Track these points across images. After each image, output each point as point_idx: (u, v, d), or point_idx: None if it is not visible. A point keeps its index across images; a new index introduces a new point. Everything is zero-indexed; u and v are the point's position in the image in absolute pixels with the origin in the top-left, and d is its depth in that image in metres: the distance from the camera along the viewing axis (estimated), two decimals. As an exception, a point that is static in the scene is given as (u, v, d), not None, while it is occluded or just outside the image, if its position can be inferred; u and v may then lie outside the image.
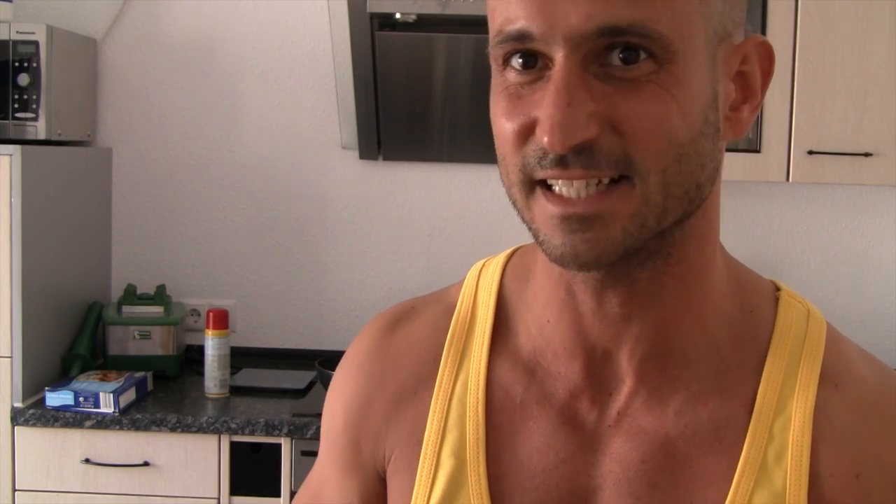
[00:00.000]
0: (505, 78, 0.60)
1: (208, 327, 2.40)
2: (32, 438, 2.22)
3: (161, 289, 2.60)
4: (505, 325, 0.70)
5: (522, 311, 0.70)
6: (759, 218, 2.74)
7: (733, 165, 2.40)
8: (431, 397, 0.70)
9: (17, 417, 2.20)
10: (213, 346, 2.38)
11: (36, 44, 2.31)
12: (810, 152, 2.37)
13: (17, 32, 2.31)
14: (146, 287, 2.66)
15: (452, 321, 0.72)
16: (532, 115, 0.58)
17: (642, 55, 0.56)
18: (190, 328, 2.69)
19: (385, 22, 2.39)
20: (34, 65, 2.31)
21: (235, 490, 2.21)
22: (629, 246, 0.58)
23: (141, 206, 2.75)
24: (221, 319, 2.41)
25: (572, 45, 0.56)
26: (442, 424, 0.69)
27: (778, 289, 0.70)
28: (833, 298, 2.75)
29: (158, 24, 2.72)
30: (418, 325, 0.74)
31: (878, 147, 2.36)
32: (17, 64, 2.31)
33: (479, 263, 0.76)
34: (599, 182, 0.57)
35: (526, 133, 0.58)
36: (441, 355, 0.71)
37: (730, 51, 0.61)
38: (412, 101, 2.59)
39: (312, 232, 2.74)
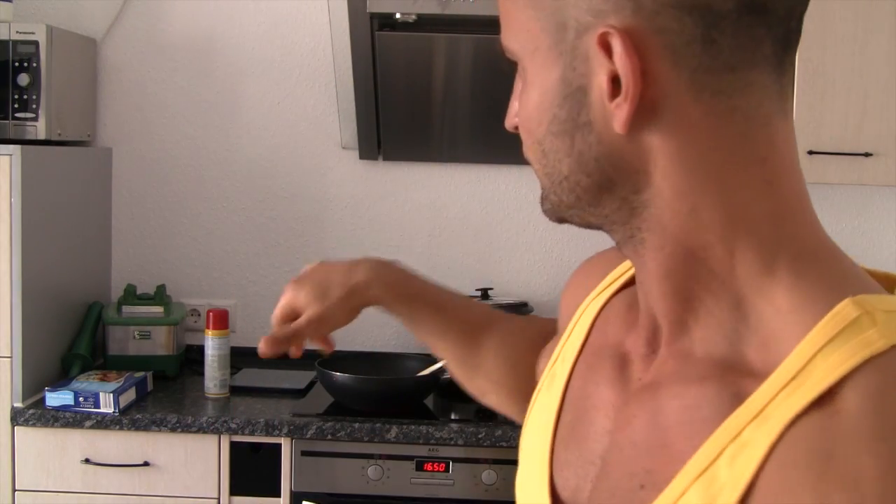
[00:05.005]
0: None
1: (208, 327, 2.40)
2: (32, 438, 2.22)
3: (161, 289, 2.60)
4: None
5: None
6: (759, 218, 2.74)
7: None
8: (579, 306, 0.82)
9: (17, 417, 2.20)
10: (213, 346, 2.38)
11: (36, 44, 2.31)
12: (810, 152, 2.36)
13: (17, 32, 2.31)
14: (146, 287, 2.66)
15: (622, 264, 0.80)
16: None
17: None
18: (190, 328, 2.69)
19: (385, 22, 2.39)
20: (34, 65, 2.31)
21: (235, 490, 2.21)
22: (564, 213, 0.68)
23: (141, 206, 2.76)
24: (221, 319, 2.41)
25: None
26: (570, 329, 0.80)
27: (857, 298, 0.58)
28: (833, 298, 2.75)
29: (158, 24, 2.72)
30: (608, 258, 0.83)
31: (878, 147, 2.36)
32: (17, 64, 2.31)
33: None
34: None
35: None
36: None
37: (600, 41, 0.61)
38: (412, 101, 2.59)
39: (312, 232, 2.74)
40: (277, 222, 2.75)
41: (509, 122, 0.71)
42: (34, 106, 2.32)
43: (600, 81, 0.61)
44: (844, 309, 0.56)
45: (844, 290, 0.58)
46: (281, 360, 2.92)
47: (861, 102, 2.35)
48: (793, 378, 0.55)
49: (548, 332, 0.95)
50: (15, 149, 2.20)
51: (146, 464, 2.21)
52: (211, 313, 2.41)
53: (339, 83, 2.58)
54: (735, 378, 0.59)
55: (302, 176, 2.73)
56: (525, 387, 0.91)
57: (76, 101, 2.56)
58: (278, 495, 2.21)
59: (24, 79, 2.30)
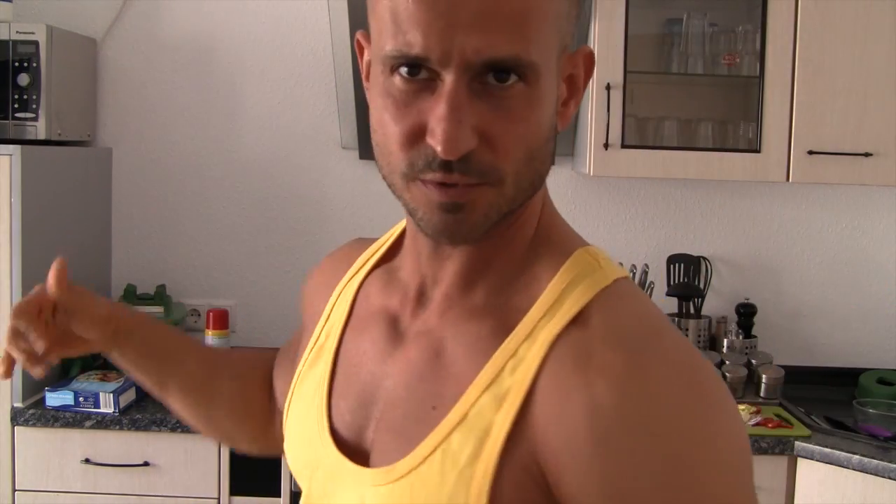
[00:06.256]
0: (391, 83, 0.70)
1: (208, 327, 2.40)
2: (32, 438, 2.22)
3: (161, 289, 2.60)
4: (395, 253, 0.90)
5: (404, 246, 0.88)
6: (759, 218, 2.74)
7: (733, 165, 2.40)
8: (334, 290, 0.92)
9: (17, 417, 2.20)
10: (213, 345, 2.38)
11: (36, 44, 2.31)
12: (810, 152, 2.37)
13: (17, 32, 2.31)
14: (146, 287, 2.66)
15: (375, 244, 0.93)
16: (420, 122, 0.69)
17: (512, 77, 0.68)
18: (190, 328, 2.69)
19: (385, 22, 2.38)
20: (34, 65, 2.31)
21: (235, 490, 2.21)
22: (488, 228, 0.73)
23: (141, 206, 2.76)
24: (221, 319, 2.41)
25: (462, 72, 0.67)
26: (329, 309, 0.90)
27: (582, 247, 0.79)
28: (833, 298, 2.75)
29: (158, 24, 2.72)
30: (364, 245, 0.95)
31: (878, 147, 2.36)
32: (17, 64, 2.31)
33: None
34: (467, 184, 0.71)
35: (414, 136, 0.69)
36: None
37: (565, 58, 0.74)
38: (412, 101, 2.59)
39: (312, 232, 2.74)
40: (277, 222, 2.75)
41: (471, 143, 0.68)
42: (34, 106, 2.32)
43: (561, 89, 0.74)
44: (580, 256, 0.76)
45: (577, 245, 0.78)
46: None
47: (861, 102, 2.35)
48: (549, 308, 0.73)
49: (269, 359, 1.09)
50: (15, 149, 2.20)
51: (146, 464, 2.21)
52: (211, 313, 2.41)
53: (339, 83, 2.58)
54: (506, 315, 0.75)
55: (302, 176, 2.73)
56: (259, 423, 1.08)
57: (76, 101, 2.56)
58: (278, 495, 2.21)
59: (24, 79, 2.30)
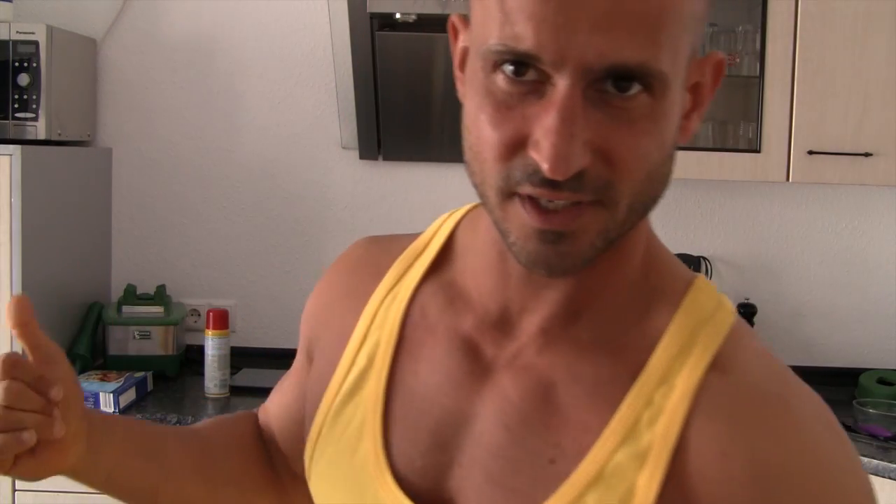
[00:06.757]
0: (492, 81, 0.60)
1: (208, 327, 2.40)
2: (32, 438, 2.22)
3: (161, 289, 2.60)
4: (446, 262, 0.77)
5: (461, 255, 0.77)
6: (759, 218, 2.74)
7: (733, 165, 2.40)
8: (367, 303, 0.78)
9: (17, 417, 2.20)
10: (213, 346, 2.38)
11: (36, 44, 2.31)
12: (810, 152, 2.37)
13: (17, 32, 2.31)
14: (146, 287, 2.66)
15: (408, 248, 0.79)
16: (522, 130, 0.59)
17: (636, 86, 0.58)
18: (190, 328, 2.69)
19: (385, 22, 2.39)
20: (34, 65, 2.31)
21: (235, 490, 2.21)
22: (593, 257, 0.63)
23: (141, 206, 2.75)
24: (221, 319, 2.41)
25: (578, 77, 0.57)
26: (366, 327, 0.77)
27: (696, 279, 0.73)
28: (833, 298, 2.75)
29: (158, 24, 2.72)
30: (388, 247, 0.82)
31: (878, 147, 2.36)
32: (17, 64, 2.31)
33: (448, 213, 0.83)
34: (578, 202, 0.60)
35: (514, 146, 0.60)
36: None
37: (693, 65, 0.64)
38: (412, 101, 2.59)
39: (312, 232, 2.74)
40: (277, 222, 2.75)
41: (582, 161, 0.58)
42: (34, 106, 2.32)
43: (685, 99, 0.64)
44: (699, 290, 0.70)
45: (687, 275, 0.71)
46: (281, 360, 2.90)
47: (861, 102, 2.35)
48: (679, 351, 0.66)
49: (247, 418, 0.95)
50: (15, 149, 2.20)
51: (146, 464, 2.21)
52: (211, 313, 2.41)
53: (339, 83, 2.58)
54: (623, 354, 0.67)
55: (302, 176, 2.73)
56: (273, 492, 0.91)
57: (76, 101, 2.56)
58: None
59: (24, 79, 2.30)
